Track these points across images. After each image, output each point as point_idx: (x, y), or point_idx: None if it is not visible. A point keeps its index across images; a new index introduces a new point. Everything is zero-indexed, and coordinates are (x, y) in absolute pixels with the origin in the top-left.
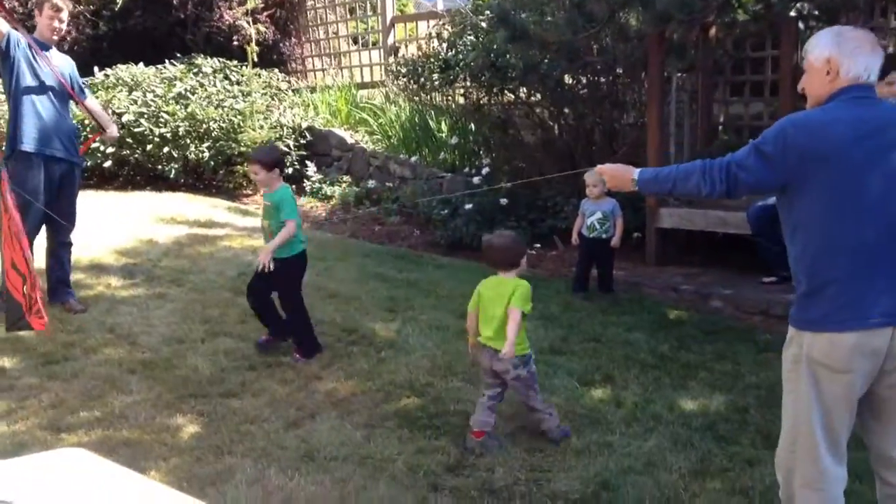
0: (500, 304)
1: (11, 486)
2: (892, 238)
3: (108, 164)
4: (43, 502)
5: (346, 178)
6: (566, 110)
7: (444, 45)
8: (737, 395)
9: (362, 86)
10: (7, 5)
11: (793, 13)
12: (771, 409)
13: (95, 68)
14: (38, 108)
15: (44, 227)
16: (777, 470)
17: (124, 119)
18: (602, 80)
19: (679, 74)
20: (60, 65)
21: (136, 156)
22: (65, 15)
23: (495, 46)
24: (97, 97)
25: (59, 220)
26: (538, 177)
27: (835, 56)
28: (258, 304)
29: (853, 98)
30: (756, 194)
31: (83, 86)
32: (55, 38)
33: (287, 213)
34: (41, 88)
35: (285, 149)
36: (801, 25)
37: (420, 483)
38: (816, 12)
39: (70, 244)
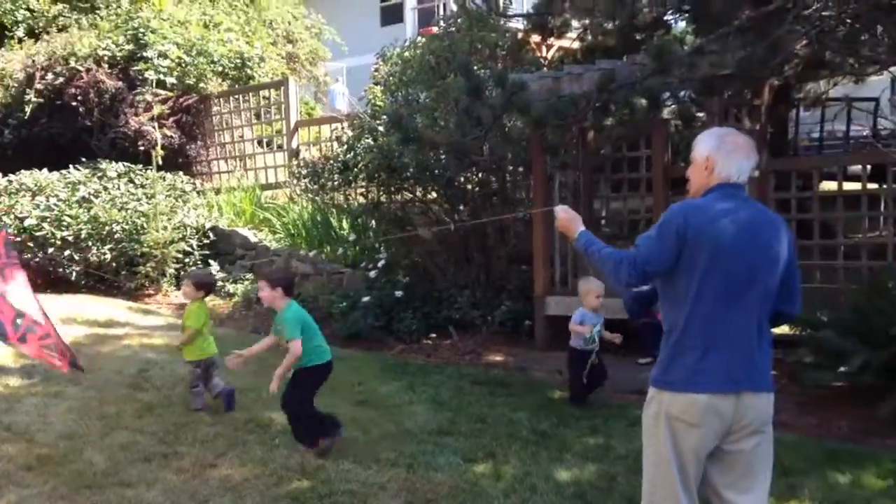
0: None
1: None
2: (746, 319)
3: None
4: None
5: (249, 275)
6: (461, 207)
7: (344, 147)
8: (607, 464)
9: (267, 187)
10: None
11: (666, 115)
12: (636, 475)
13: None
14: None
15: None
16: None
17: (26, 223)
18: (493, 178)
19: (563, 172)
20: None
21: (38, 259)
22: None
23: (387, 146)
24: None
25: None
26: (435, 269)
27: (713, 155)
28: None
29: (724, 194)
30: (660, 275)
31: None
32: None
33: (288, 333)
34: None
35: (188, 248)
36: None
37: None
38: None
39: None
